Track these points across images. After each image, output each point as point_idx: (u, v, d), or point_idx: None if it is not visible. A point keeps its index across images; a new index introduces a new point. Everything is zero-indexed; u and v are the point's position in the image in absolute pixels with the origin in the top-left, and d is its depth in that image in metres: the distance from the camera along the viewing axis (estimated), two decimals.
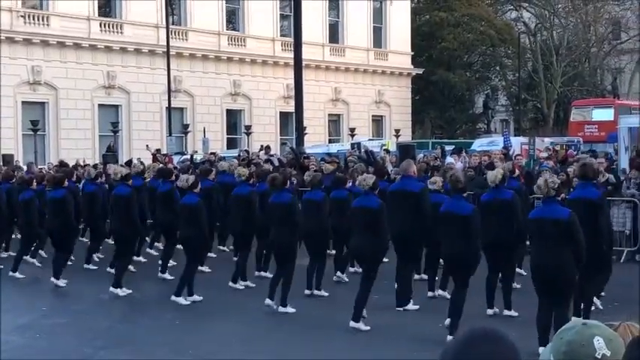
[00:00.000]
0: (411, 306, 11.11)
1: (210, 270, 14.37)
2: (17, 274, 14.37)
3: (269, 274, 12.91)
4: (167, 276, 13.75)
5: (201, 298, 11.92)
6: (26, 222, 14.74)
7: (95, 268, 15.16)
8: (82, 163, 21.86)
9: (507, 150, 20.46)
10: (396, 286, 11.34)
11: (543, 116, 53.44)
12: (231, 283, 12.85)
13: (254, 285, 12.93)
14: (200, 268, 13.16)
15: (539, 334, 8.41)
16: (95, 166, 19.17)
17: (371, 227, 10.03)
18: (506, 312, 10.62)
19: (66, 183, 14.03)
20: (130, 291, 12.61)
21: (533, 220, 8.94)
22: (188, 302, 11.76)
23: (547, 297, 8.56)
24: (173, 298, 11.80)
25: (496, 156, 17.85)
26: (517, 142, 25.00)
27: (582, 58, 54.76)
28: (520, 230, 10.59)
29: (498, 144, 24.88)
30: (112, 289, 12.51)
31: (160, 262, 14.35)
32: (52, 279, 13.33)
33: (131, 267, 13.72)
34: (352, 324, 9.95)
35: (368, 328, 9.95)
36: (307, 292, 12.11)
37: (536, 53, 53.48)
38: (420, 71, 47.65)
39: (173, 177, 14.59)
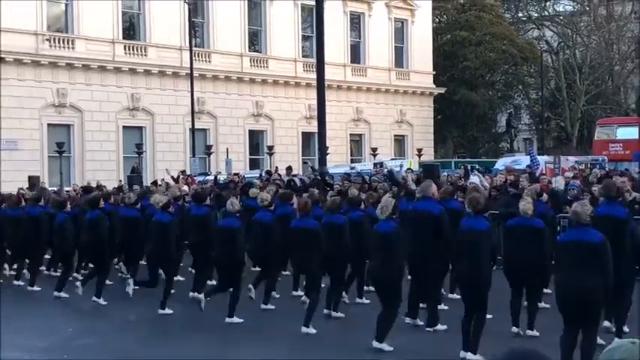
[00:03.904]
0: (440, 326, 11.05)
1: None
2: (62, 294, 14.33)
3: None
4: (200, 296, 13.73)
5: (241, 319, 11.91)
6: (62, 244, 14.82)
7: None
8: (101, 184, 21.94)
9: (533, 170, 20.29)
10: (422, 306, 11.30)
11: (567, 135, 53.18)
12: (262, 305, 12.86)
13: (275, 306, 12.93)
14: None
15: (563, 355, 8.35)
16: (120, 188, 19.29)
17: (387, 252, 9.99)
18: (529, 332, 10.58)
19: (102, 204, 14.22)
20: (172, 311, 12.73)
21: (562, 242, 8.87)
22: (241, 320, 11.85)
23: (573, 320, 8.48)
24: (227, 320, 11.92)
25: (522, 175, 17.71)
26: (541, 161, 24.88)
27: (605, 77, 54.52)
28: (546, 254, 10.57)
29: (522, 163, 24.76)
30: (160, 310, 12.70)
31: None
32: (94, 298, 13.51)
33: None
34: (375, 344, 9.93)
35: (391, 348, 9.92)
36: (326, 311, 12.04)
37: (559, 72, 53.32)
38: (442, 90, 47.65)
39: (208, 201, 14.68)
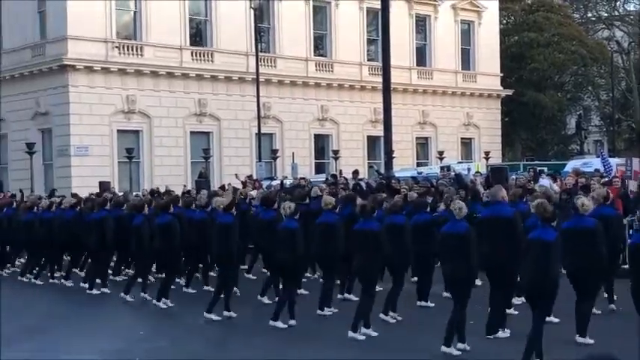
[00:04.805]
0: (501, 333, 10.84)
1: (307, 292, 14.36)
2: (128, 297, 14.59)
3: (353, 297, 13.10)
4: (265, 300, 13.87)
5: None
6: (139, 246, 14.91)
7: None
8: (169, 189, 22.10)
9: (606, 173, 19.76)
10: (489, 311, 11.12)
11: (638, 136, 51.95)
12: (318, 311, 12.76)
13: (337, 310, 12.84)
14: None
15: None
16: (189, 192, 19.46)
17: (460, 253, 10.01)
18: (578, 339, 10.26)
19: (172, 209, 14.40)
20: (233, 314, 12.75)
21: (631, 246, 8.66)
22: (285, 325, 11.84)
23: None
24: (271, 322, 11.90)
25: (594, 179, 17.26)
26: (613, 164, 24.28)
27: None
28: (603, 257, 10.29)
29: (592, 165, 24.20)
30: (225, 312, 12.75)
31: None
32: (154, 302, 13.75)
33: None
34: (455, 345, 9.93)
35: (468, 347, 9.88)
36: (382, 316, 12.03)
37: (629, 72, 52.18)
38: (510, 92, 47.06)
39: (276, 205, 14.73)
